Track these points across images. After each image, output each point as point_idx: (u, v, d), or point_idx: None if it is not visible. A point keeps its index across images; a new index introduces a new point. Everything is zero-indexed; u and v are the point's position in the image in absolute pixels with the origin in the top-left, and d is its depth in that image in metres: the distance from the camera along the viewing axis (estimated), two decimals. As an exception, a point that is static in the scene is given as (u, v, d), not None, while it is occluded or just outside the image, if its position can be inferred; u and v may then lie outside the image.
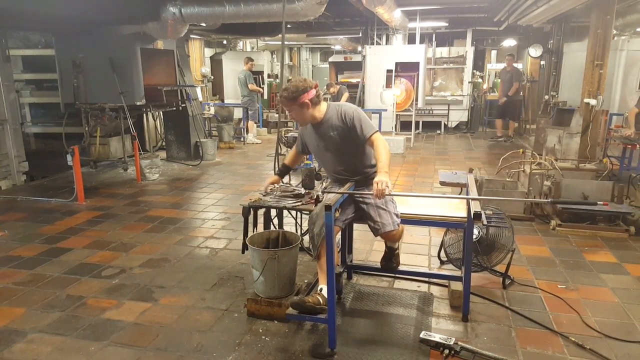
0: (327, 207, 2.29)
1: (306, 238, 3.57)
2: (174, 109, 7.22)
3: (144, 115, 7.75)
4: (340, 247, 3.10)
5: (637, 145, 5.71)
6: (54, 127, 7.22)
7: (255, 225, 3.00)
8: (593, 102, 6.38)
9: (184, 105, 7.36)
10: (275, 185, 2.89)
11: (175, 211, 4.88)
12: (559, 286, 3.11)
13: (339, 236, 3.05)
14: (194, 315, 2.77)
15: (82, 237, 4.09)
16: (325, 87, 9.51)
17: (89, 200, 5.21)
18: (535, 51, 10.51)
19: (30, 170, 6.36)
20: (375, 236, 2.69)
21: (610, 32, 6.74)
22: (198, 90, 8.57)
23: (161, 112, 7.73)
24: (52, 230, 4.25)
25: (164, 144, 8.08)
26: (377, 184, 2.35)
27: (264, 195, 2.88)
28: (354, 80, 10.99)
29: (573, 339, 2.47)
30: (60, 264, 3.52)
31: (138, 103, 6.51)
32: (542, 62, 10.77)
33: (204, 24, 7.68)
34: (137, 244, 3.92)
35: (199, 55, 11.65)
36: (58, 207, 4.99)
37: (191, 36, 10.30)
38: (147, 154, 7.35)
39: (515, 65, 9.40)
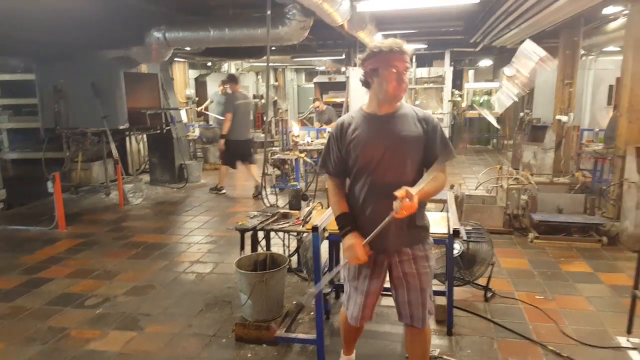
0: (314, 228, 2.32)
1: (294, 259, 3.62)
2: (158, 131, 7.23)
3: (127, 138, 7.72)
4: (327, 267, 3.14)
5: (607, 159, 5.97)
6: (32, 152, 7.11)
7: (242, 248, 3.02)
8: (564, 118, 6.70)
9: (168, 127, 7.38)
10: (364, 248, 1.85)
11: (159, 236, 4.84)
12: (537, 297, 3.21)
13: (326, 255, 3.11)
14: (180, 343, 2.75)
15: (63, 266, 4.02)
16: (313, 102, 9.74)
17: (70, 227, 5.13)
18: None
19: (8, 198, 6.22)
20: (400, 320, 2.01)
21: (578, 53, 7.12)
22: (183, 112, 8.60)
23: (145, 136, 7.72)
24: (31, 260, 4.16)
25: (147, 167, 8.04)
26: (400, 202, 1.67)
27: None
28: (338, 100, 11.21)
29: (551, 348, 2.57)
30: (41, 294, 3.45)
31: (121, 127, 6.50)
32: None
33: (188, 48, 7.78)
34: (121, 271, 3.88)
35: (183, 78, 11.72)
36: (38, 236, 4.89)
37: (175, 59, 10.39)
38: (130, 177, 7.30)
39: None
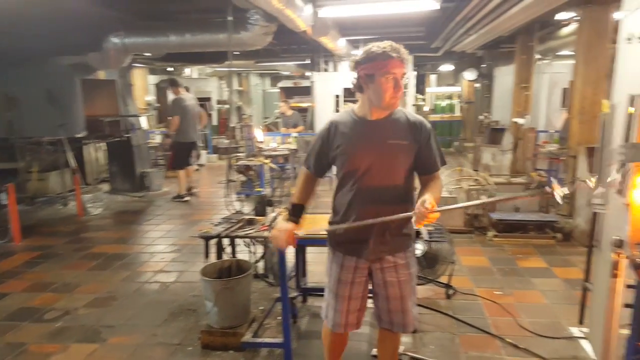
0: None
1: (260, 264, 3.61)
2: (117, 139, 7.02)
3: (85, 147, 7.44)
4: (294, 272, 3.15)
5: (561, 159, 6.29)
6: (-19, 164, 6.74)
7: (206, 255, 2.98)
8: (521, 121, 7.02)
9: (128, 135, 7.18)
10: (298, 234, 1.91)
11: (121, 246, 4.70)
12: (496, 292, 3.35)
13: (292, 261, 3.11)
14: (145, 353, 2.69)
15: (20, 280, 3.84)
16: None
17: (26, 240, 4.89)
18: (470, 74, 11.37)
19: (-43, 211, 5.86)
20: (379, 326, 1.99)
21: (533, 57, 7.48)
22: (143, 119, 8.37)
23: (104, 143, 7.46)
24: (-16, 276, 3.95)
25: (107, 175, 7.77)
26: (423, 205, 1.62)
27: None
28: (303, 105, 11.24)
29: (509, 340, 2.69)
30: (-4, 310, 3.28)
31: (78, 135, 6.27)
32: (477, 85, 11.65)
33: (148, 54, 7.61)
34: (82, 283, 3.74)
35: (143, 84, 11.42)
36: (-9, 250, 4.65)
37: (135, 65, 10.13)
38: (89, 187, 7.04)
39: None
